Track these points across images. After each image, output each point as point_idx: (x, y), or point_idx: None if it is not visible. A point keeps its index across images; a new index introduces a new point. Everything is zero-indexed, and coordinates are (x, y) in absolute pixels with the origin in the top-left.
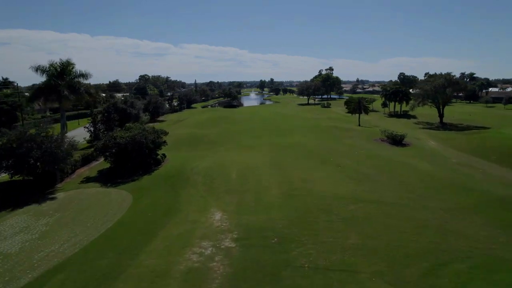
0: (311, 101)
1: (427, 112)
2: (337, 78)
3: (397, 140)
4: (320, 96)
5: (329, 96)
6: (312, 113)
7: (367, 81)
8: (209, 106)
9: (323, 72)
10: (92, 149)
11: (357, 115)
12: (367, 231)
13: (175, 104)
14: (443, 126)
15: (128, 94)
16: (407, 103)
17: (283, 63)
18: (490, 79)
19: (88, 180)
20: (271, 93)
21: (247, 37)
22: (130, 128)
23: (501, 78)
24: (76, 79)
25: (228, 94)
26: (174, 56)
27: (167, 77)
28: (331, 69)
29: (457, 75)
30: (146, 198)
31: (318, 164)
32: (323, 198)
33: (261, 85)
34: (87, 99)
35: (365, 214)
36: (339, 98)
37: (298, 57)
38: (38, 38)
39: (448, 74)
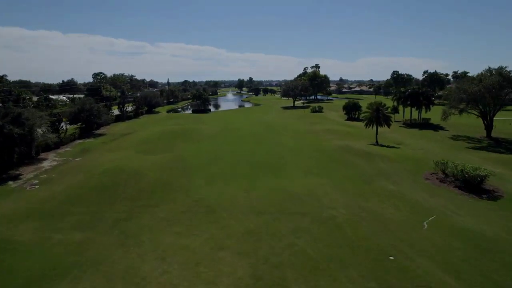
0: (297, 103)
1: (459, 121)
2: (325, 76)
3: (471, 183)
4: (305, 97)
5: (315, 97)
6: (304, 121)
7: (347, 81)
8: (180, 110)
9: (309, 70)
10: None
11: (368, 127)
12: None
13: (129, 109)
14: (498, 143)
15: (82, 96)
16: (427, 109)
17: (260, 62)
18: None
19: None
20: (250, 94)
21: (223, 35)
22: None
23: None
24: None
25: (197, 96)
26: (151, 55)
27: (131, 76)
28: (317, 66)
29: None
30: None
31: None
32: None
33: (239, 84)
34: None
35: None
36: (328, 100)
37: (276, 56)
38: (2, 34)
39: (503, 68)
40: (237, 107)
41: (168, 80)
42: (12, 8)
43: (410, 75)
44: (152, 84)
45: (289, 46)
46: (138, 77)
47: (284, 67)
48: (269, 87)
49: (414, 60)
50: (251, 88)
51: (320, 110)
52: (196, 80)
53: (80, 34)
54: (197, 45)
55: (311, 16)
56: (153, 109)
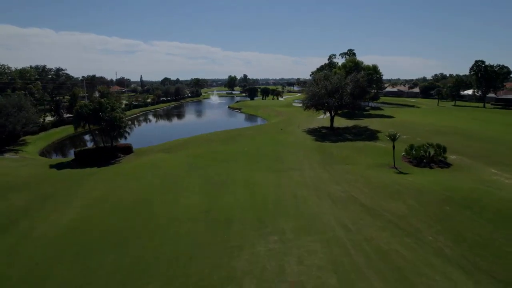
0: (337, 120)
1: None
2: (374, 68)
3: None
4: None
5: None
6: None
7: None
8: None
9: (337, 60)
10: None
11: None
12: None
13: None
14: None
15: None
16: None
17: (255, 62)
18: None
19: None
20: (244, 95)
21: (218, 34)
22: None
23: None
24: None
25: (90, 116)
26: (145, 53)
27: (59, 69)
28: (351, 53)
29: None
30: None
31: None
32: None
33: (230, 82)
34: None
35: None
36: (372, 109)
37: (271, 55)
38: None
39: None
40: (217, 120)
41: (141, 77)
42: (2, 5)
43: (507, 67)
44: (121, 82)
45: (284, 44)
46: (134, 77)
47: (279, 66)
48: (269, 87)
49: (411, 59)
50: (245, 87)
51: (442, 162)
52: (188, 78)
53: (73, 32)
54: (192, 44)
55: (307, 15)
56: (19, 139)
